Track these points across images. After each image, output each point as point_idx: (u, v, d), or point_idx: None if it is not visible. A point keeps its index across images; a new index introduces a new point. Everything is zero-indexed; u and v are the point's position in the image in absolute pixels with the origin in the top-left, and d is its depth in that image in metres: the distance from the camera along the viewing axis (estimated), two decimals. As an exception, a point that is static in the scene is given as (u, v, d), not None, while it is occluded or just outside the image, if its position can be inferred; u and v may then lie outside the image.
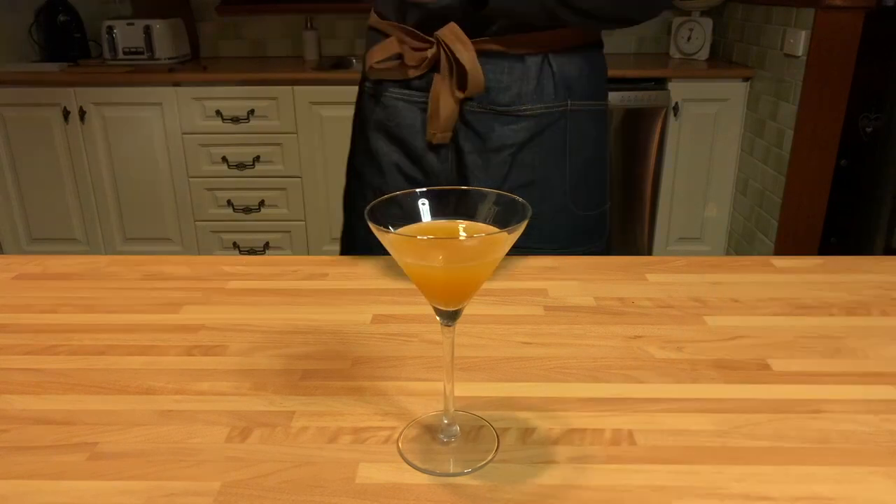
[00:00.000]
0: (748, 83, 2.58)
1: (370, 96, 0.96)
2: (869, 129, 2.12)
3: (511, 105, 0.88)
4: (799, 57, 2.24)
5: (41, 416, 0.56)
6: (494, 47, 0.86)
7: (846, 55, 2.15)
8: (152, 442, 0.53)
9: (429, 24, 0.87)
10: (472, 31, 0.85)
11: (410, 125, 0.92)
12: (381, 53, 0.91)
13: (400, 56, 0.90)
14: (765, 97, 2.48)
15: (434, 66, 0.88)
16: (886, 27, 2.05)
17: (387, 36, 0.92)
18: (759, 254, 2.55)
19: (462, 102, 0.88)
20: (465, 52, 0.85)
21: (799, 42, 2.22)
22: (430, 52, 0.87)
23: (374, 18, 0.95)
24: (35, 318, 0.72)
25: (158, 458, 0.51)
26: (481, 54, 0.85)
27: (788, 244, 2.40)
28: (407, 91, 0.92)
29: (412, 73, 0.90)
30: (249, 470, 0.50)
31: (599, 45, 0.95)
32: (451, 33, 0.85)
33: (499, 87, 0.88)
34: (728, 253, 2.82)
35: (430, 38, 0.87)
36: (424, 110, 0.91)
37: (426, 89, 0.90)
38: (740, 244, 2.72)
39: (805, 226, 2.37)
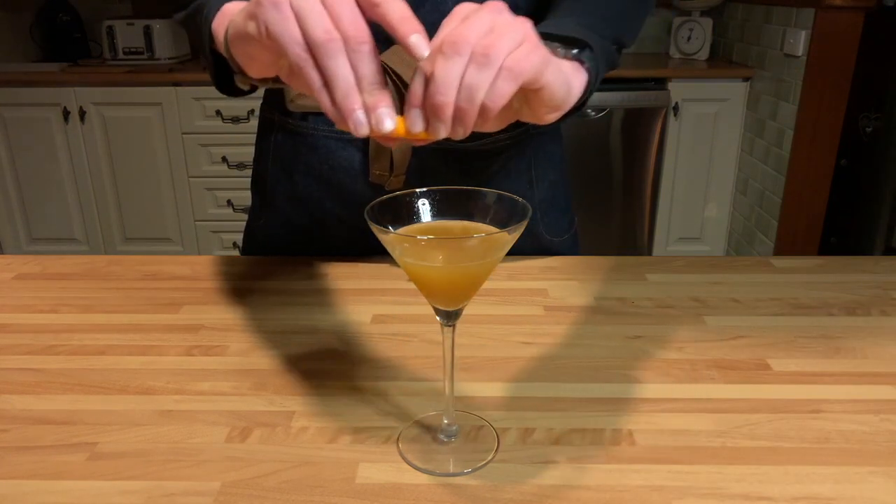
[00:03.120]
0: (748, 83, 2.58)
1: (292, 134, 0.83)
2: (869, 129, 2.12)
3: (474, 141, 0.79)
4: (799, 57, 2.24)
5: (41, 416, 0.56)
6: None
7: (846, 55, 2.15)
8: (152, 442, 0.53)
9: None
10: None
11: (347, 167, 0.80)
12: None
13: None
14: (765, 97, 2.48)
15: None
16: (886, 27, 2.05)
17: None
18: (759, 254, 2.55)
19: None
20: None
21: (799, 42, 2.22)
22: None
23: None
24: (35, 318, 0.72)
25: (158, 458, 0.51)
26: None
27: (788, 244, 2.40)
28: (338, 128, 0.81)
29: None
30: (249, 470, 0.50)
31: None
32: (398, 57, 0.72)
33: None
34: (728, 253, 2.82)
35: None
36: (362, 149, 0.79)
37: None
38: (740, 244, 2.72)
39: (805, 226, 2.37)
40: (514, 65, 0.42)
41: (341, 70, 0.42)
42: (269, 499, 0.47)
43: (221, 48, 0.55)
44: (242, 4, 0.54)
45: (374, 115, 0.43)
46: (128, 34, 2.76)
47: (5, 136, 2.68)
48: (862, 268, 0.83)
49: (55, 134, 2.66)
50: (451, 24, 0.44)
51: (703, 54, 2.77)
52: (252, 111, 2.59)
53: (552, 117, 0.50)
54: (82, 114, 2.62)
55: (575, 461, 0.50)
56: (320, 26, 0.42)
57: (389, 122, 0.43)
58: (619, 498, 0.47)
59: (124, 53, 2.78)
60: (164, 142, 2.66)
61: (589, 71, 0.53)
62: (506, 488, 0.48)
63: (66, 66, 2.73)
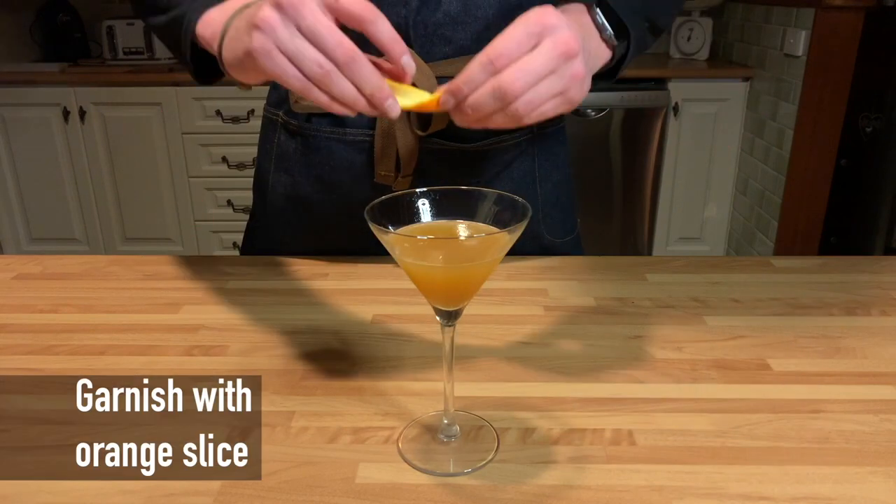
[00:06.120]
0: (748, 83, 2.58)
1: (295, 134, 0.83)
2: (869, 129, 2.12)
3: (478, 140, 0.79)
4: (799, 57, 2.24)
5: (41, 416, 0.56)
6: (451, 72, 0.75)
7: (846, 55, 2.15)
8: (152, 442, 0.53)
9: (367, 48, 0.77)
10: (422, 55, 0.74)
11: (349, 168, 0.81)
12: None
13: None
14: (765, 97, 2.48)
15: None
16: (886, 27, 2.05)
17: None
18: (759, 254, 2.55)
19: (420, 139, 0.77)
20: (427, 82, 0.73)
21: (799, 42, 2.22)
22: None
23: None
24: (35, 318, 0.72)
25: (158, 458, 0.51)
26: (438, 82, 0.74)
27: (788, 244, 2.40)
28: (340, 129, 0.79)
29: None
30: (249, 470, 0.50)
31: None
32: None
33: None
34: (728, 253, 2.82)
35: None
36: (365, 151, 0.79)
37: (365, 126, 0.78)
38: (740, 244, 2.72)
39: (805, 226, 2.37)
40: (523, 109, 0.51)
41: (344, 89, 0.49)
42: (269, 499, 0.47)
43: (209, 48, 0.60)
44: (226, 11, 0.59)
45: (382, 108, 0.50)
46: (128, 34, 2.76)
47: (5, 136, 2.67)
48: (862, 268, 0.83)
49: (55, 134, 2.66)
50: (508, 31, 0.51)
51: (703, 54, 2.77)
52: (252, 111, 2.59)
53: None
54: (82, 114, 2.62)
55: (575, 461, 0.50)
56: (314, 63, 0.48)
57: (396, 109, 0.51)
58: (619, 498, 0.47)
59: (124, 53, 2.78)
60: (164, 142, 2.66)
61: (613, 52, 0.62)
62: (506, 488, 0.48)
63: (66, 66, 2.73)
